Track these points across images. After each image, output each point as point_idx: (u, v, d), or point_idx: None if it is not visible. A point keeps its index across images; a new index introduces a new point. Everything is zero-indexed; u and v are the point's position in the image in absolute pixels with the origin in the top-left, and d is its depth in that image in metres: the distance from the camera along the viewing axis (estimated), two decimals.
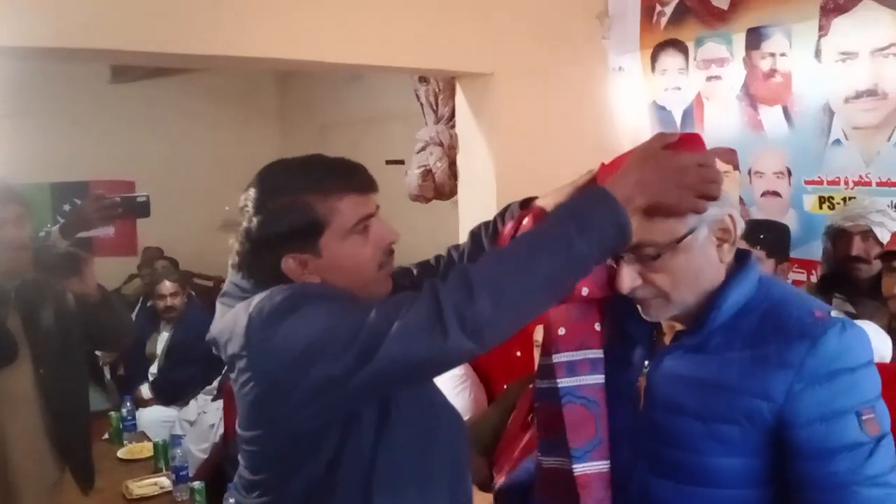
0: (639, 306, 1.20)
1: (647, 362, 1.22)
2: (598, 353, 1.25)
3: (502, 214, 1.49)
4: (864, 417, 1.07)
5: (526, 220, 1.29)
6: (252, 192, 1.25)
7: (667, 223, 1.12)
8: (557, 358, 1.24)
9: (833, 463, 1.07)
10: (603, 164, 1.23)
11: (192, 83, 6.01)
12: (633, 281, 1.15)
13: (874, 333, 1.99)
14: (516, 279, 1.06)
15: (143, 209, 2.34)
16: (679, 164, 1.10)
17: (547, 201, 1.35)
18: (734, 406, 1.11)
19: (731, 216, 1.16)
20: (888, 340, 1.99)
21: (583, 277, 1.14)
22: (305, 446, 1.20)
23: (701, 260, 1.15)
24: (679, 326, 1.21)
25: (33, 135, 5.08)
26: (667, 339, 1.23)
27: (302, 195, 1.21)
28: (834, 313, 1.15)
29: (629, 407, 1.21)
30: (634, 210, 1.09)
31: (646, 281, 1.15)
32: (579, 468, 1.21)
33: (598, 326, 1.26)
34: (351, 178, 1.25)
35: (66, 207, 2.30)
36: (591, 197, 1.09)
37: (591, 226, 1.06)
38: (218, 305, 1.31)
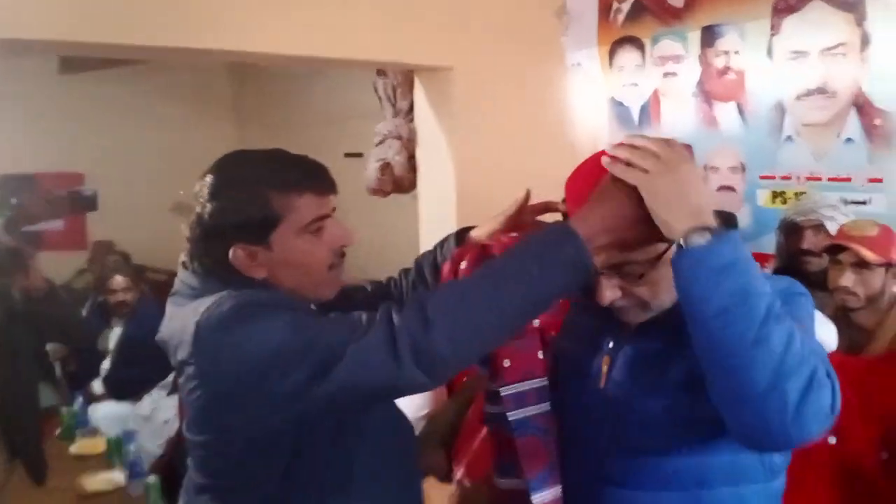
0: (617, 312, 1.21)
1: (611, 343, 1.25)
2: (543, 382, 1.27)
3: (441, 245, 1.49)
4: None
5: (464, 264, 1.30)
6: (209, 179, 1.23)
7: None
8: (505, 391, 1.25)
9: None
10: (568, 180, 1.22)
11: (144, 76, 5.88)
12: (614, 294, 1.16)
13: (822, 324, 2.05)
14: (474, 316, 1.06)
15: (90, 203, 2.31)
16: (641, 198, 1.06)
17: (481, 232, 1.38)
18: (688, 371, 1.13)
19: None
20: (834, 330, 2.05)
21: (540, 315, 1.17)
22: (257, 454, 1.19)
23: None
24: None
25: None
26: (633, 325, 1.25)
27: (260, 187, 1.20)
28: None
29: (591, 385, 1.24)
30: (599, 248, 1.08)
31: (626, 294, 1.17)
32: (537, 497, 1.22)
33: (540, 355, 1.28)
34: (311, 177, 1.24)
35: (14, 201, 2.24)
36: (554, 235, 1.08)
37: (553, 265, 1.05)
38: (168, 305, 1.30)
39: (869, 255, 2.08)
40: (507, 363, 1.24)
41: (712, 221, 1.04)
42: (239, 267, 1.21)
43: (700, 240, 1.02)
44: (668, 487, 1.17)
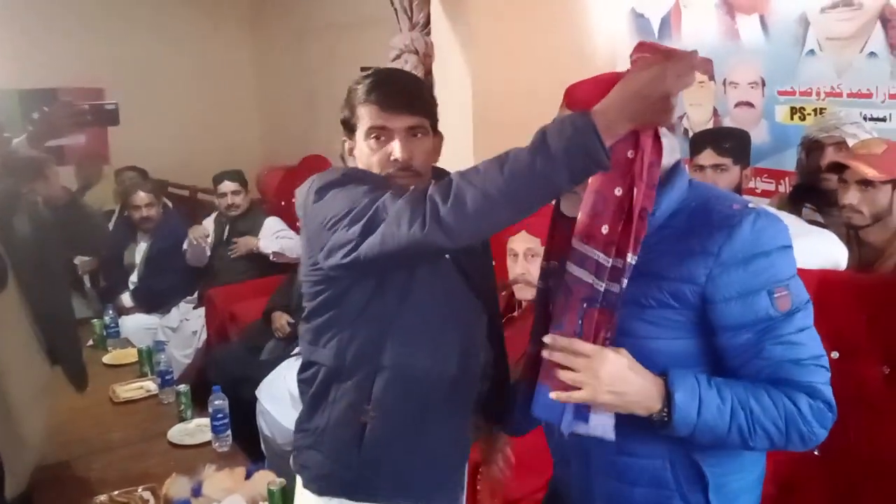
0: None
1: None
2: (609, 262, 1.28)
3: None
4: (776, 295, 1.20)
5: None
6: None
7: None
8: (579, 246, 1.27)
9: (745, 333, 1.21)
10: (568, 88, 1.28)
11: None
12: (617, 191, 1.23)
13: (832, 243, 2.07)
14: (490, 193, 1.18)
15: (112, 117, 2.33)
16: (666, 87, 1.13)
17: None
18: (664, 290, 1.23)
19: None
20: (844, 249, 2.07)
21: (550, 200, 1.27)
22: (337, 292, 1.47)
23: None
24: None
25: (1, 40, 4.92)
26: None
27: (353, 95, 1.49)
28: (751, 205, 1.25)
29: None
30: (616, 135, 1.16)
31: None
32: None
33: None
34: (381, 93, 1.46)
35: (35, 115, 2.26)
36: (573, 125, 1.14)
37: (566, 154, 1.13)
38: None
39: (869, 171, 2.08)
40: (604, 230, 1.24)
41: (657, 405, 1.20)
42: (343, 154, 1.56)
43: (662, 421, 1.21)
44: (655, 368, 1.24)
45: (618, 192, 1.22)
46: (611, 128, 1.14)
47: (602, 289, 1.23)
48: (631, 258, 1.21)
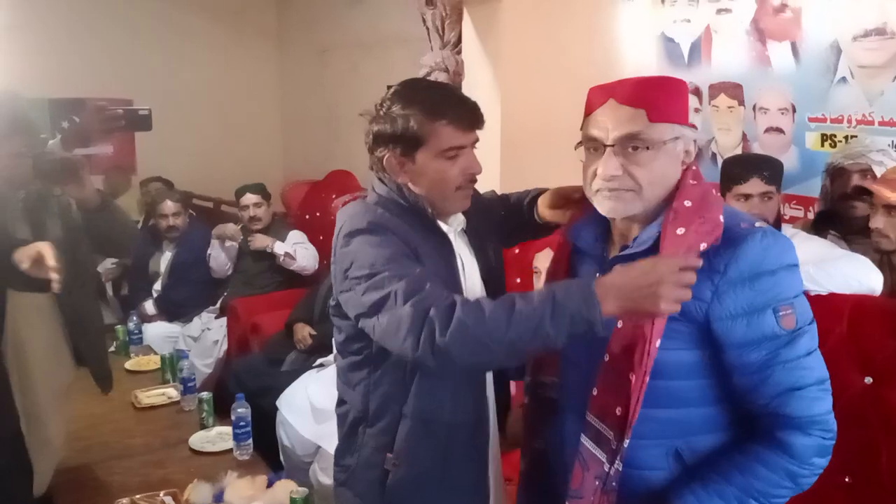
0: (607, 202, 1.32)
1: (597, 274, 1.35)
2: None
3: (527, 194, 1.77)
4: (781, 313, 1.23)
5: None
6: (386, 95, 1.54)
7: (661, 126, 1.28)
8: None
9: (753, 351, 1.24)
10: (592, 89, 1.38)
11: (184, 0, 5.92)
12: (616, 169, 1.29)
13: (868, 269, 2.05)
14: (488, 337, 1.25)
15: (145, 122, 2.35)
16: (658, 275, 1.18)
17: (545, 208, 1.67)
18: None
19: (696, 141, 1.34)
20: (880, 275, 2.05)
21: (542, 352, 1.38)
22: (352, 332, 1.53)
23: (672, 167, 1.31)
24: (631, 234, 1.35)
25: (31, 49, 5.00)
26: (613, 254, 1.39)
27: (416, 111, 1.47)
28: (758, 224, 1.28)
29: None
30: (607, 310, 1.22)
31: (626, 172, 1.29)
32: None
33: None
34: (457, 112, 1.48)
35: (65, 124, 2.29)
36: (577, 292, 1.22)
37: (565, 317, 1.21)
38: None
39: (893, 196, 2.09)
40: (618, 411, 1.29)
41: None
42: (389, 170, 1.53)
43: None
44: (657, 405, 1.28)
45: (632, 377, 1.26)
46: (610, 301, 1.20)
47: (609, 471, 1.28)
48: (626, 443, 1.27)
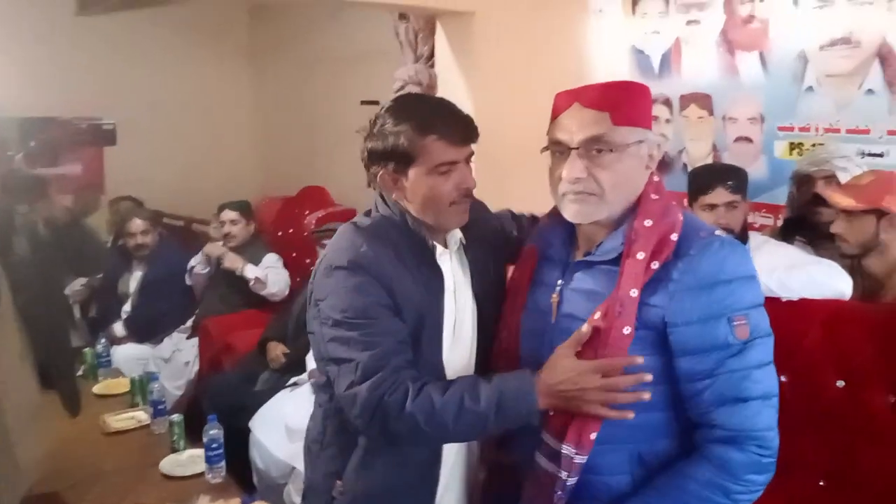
0: (572, 206, 1.34)
1: (560, 281, 1.39)
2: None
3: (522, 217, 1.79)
4: (735, 323, 1.25)
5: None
6: (380, 111, 1.52)
7: (624, 129, 1.31)
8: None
9: (703, 359, 1.26)
10: (558, 94, 1.40)
11: (160, 16, 5.81)
12: (581, 172, 1.31)
13: (837, 273, 2.07)
14: (434, 430, 1.35)
15: (109, 137, 2.32)
16: (585, 381, 1.28)
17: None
18: None
19: (660, 146, 1.37)
20: (849, 279, 2.06)
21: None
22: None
23: (636, 171, 1.34)
24: (597, 239, 1.37)
25: (6, 68, 4.92)
26: (577, 258, 1.41)
27: (406, 127, 1.44)
28: (718, 233, 1.31)
29: (546, 319, 1.40)
30: (542, 405, 1.32)
31: (590, 174, 1.31)
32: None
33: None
34: (448, 127, 1.46)
35: (32, 143, 2.25)
36: (521, 397, 1.31)
37: (508, 419, 1.32)
38: None
39: (843, 201, 2.13)
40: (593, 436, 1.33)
41: None
42: (383, 187, 1.52)
43: None
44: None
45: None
46: (544, 399, 1.31)
47: (567, 480, 1.32)
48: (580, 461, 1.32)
